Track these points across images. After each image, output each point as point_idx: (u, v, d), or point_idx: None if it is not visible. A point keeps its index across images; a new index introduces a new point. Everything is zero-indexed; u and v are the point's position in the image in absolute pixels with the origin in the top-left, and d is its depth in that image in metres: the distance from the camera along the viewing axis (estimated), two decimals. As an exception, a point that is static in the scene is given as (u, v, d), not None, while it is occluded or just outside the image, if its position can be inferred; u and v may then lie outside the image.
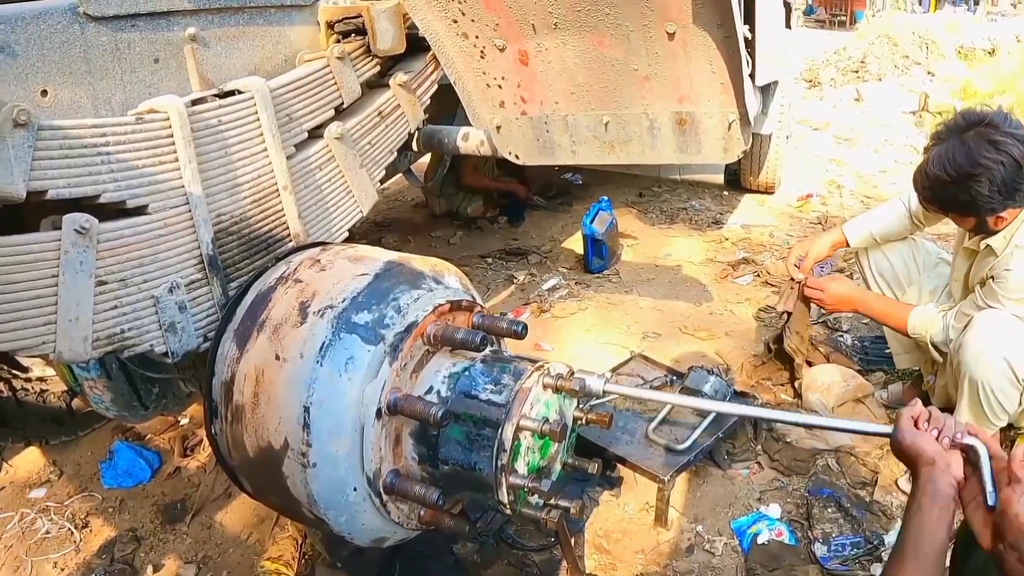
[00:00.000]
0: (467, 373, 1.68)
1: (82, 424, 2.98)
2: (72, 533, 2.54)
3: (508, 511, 1.61)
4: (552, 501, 1.64)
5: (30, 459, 2.92)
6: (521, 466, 1.60)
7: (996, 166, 2.05)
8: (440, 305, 1.69)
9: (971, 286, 2.44)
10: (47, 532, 2.55)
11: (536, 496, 1.62)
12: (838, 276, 2.85)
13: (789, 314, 3.01)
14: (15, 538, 2.54)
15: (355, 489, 1.58)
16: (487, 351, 1.76)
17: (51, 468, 2.87)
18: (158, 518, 2.59)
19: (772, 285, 3.97)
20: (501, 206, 5.27)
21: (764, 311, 3.72)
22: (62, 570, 2.40)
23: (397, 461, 1.65)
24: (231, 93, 2.08)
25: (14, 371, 2.76)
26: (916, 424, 1.41)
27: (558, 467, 1.77)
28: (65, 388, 2.71)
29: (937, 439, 1.38)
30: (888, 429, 1.46)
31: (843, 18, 21.87)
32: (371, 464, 1.57)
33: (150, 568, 2.38)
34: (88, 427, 3.01)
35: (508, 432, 1.55)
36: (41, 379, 2.81)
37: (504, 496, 1.57)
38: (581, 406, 1.83)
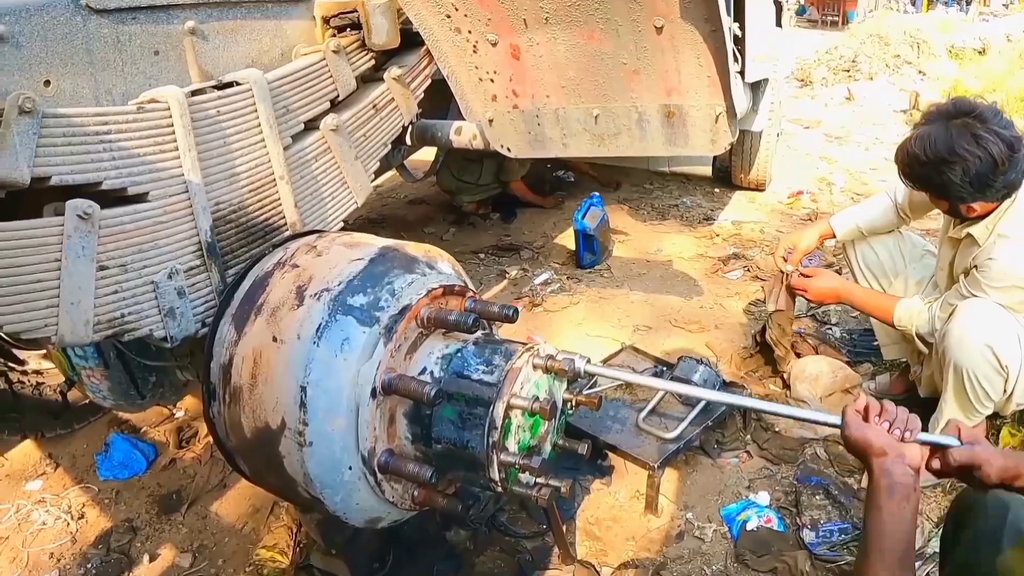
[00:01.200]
0: (459, 354, 1.71)
1: (78, 417, 3.00)
2: (68, 524, 2.56)
3: (499, 489, 1.63)
4: (542, 480, 1.67)
5: (26, 452, 2.93)
6: (512, 444, 1.62)
7: (972, 159, 2.07)
8: (433, 289, 1.72)
9: (955, 276, 2.46)
10: (44, 523, 2.57)
11: (527, 474, 1.65)
12: (823, 270, 2.88)
13: (778, 311, 3.05)
14: (12, 530, 2.56)
15: (350, 468, 1.61)
16: (479, 334, 1.79)
17: (47, 461, 2.88)
18: (154, 509, 2.61)
19: (761, 280, 4.01)
20: (494, 203, 5.29)
21: (754, 304, 3.76)
22: (59, 560, 2.41)
23: (391, 441, 1.68)
24: (229, 85, 2.11)
25: (10, 364, 2.77)
26: (866, 417, 1.36)
27: (548, 447, 1.80)
28: (61, 380, 2.73)
29: (888, 431, 1.32)
30: (838, 419, 1.40)
31: (835, 18, 21.74)
32: (366, 443, 1.60)
33: (146, 558, 2.40)
34: (84, 420, 3.03)
35: (499, 410, 1.57)
36: (37, 372, 2.82)
37: (495, 473, 1.60)
38: (571, 390, 1.86)
